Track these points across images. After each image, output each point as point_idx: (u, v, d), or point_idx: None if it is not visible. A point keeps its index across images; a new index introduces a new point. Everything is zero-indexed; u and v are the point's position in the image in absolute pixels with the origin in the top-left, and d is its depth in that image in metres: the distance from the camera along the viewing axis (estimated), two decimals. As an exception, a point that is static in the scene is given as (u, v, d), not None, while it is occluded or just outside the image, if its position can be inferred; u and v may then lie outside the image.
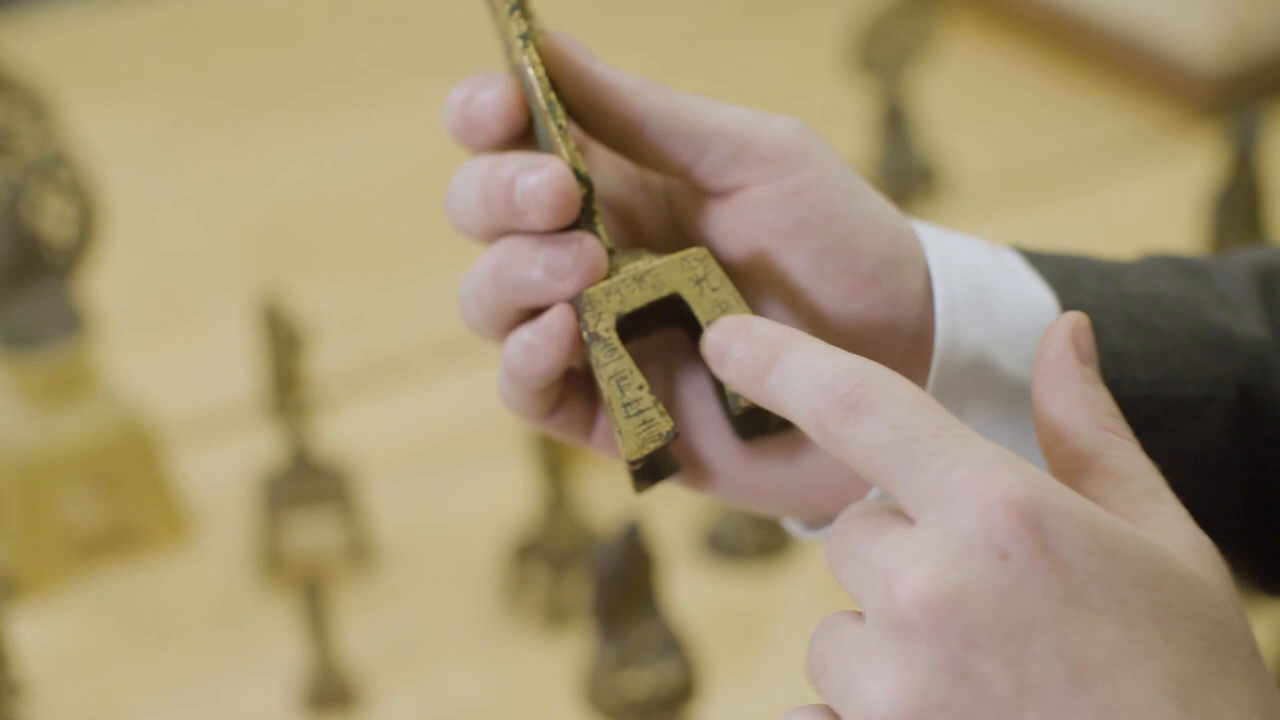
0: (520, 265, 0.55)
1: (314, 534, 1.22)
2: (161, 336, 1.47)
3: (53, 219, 1.17)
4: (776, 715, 0.48)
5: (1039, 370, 0.51)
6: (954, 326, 0.57)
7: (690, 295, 0.54)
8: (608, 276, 0.54)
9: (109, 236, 1.22)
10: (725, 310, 0.54)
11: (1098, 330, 0.59)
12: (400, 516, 1.24)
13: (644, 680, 0.91)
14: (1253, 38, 1.66)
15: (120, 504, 1.23)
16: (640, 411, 0.53)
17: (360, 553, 1.21)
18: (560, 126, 0.54)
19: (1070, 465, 0.50)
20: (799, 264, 0.56)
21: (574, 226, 0.55)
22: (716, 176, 0.56)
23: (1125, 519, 0.47)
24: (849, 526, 0.48)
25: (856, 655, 0.46)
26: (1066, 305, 0.59)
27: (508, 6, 0.55)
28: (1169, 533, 0.47)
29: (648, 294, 0.54)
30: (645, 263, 0.54)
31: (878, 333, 0.57)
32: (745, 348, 0.51)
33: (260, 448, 1.27)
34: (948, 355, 0.57)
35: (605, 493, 1.21)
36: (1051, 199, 1.59)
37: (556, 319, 0.54)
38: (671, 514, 1.20)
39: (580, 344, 0.54)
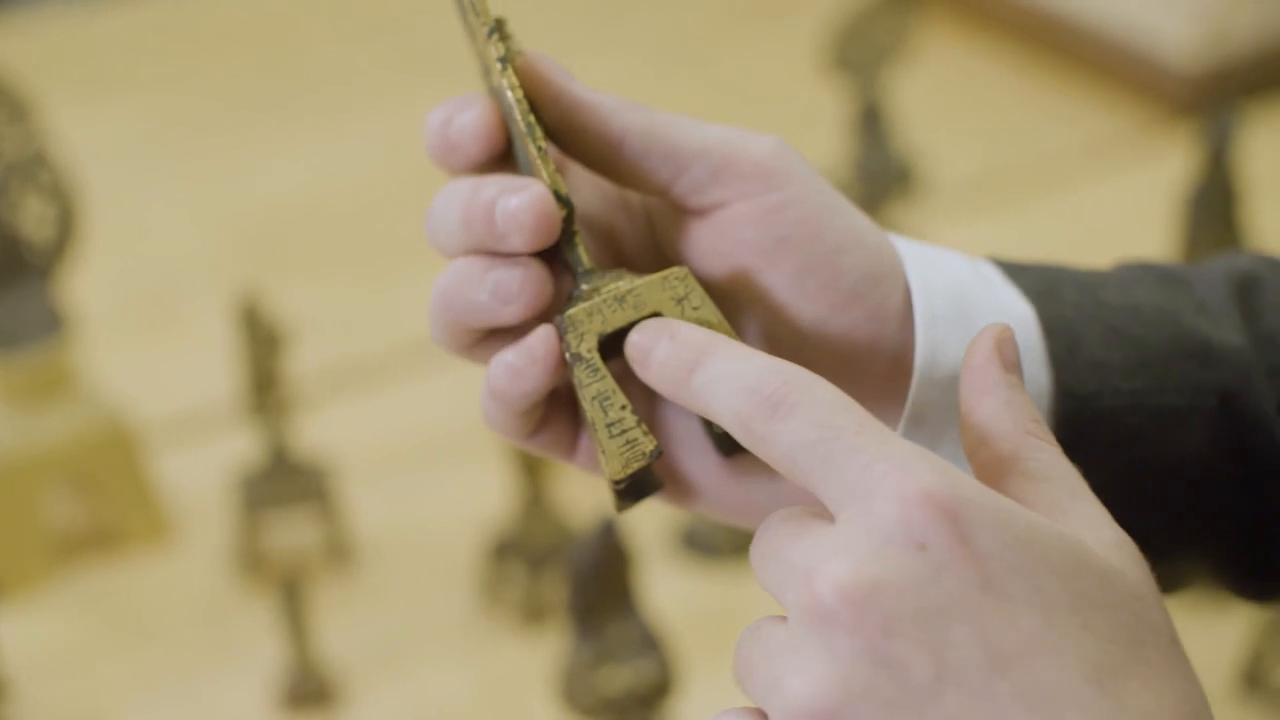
0: (469, 288, 0.55)
1: (293, 533, 1.23)
2: (142, 337, 1.48)
3: (33, 220, 1.17)
4: None
5: (964, 378, 0.52)
6: (934, 342, 0.57)
7: (672, 314, 0.54)
8: (589, 298, 0.55)
9: (91, 237, 1.22)
10: (707, 329, 0.54)
11: (1078, 340, 0.60)
12: (379, 516, 1.25)
13: (621, 677, 0.92)
14: (1231, 37, 1.67)
15: (101, 504, 1.23)
16: (624, 431, 0.54)
17: (339, 552, 1.22)
18: (540, 148, 0.54)
19: (994, 468, 0.50)
20: (780, 281, 0.56)
21: (555, 248, 0.55)
22: (696, 195, 0.57)
23: (1046, 517, 0.48)
24: (771, 531, 0.49)
25: (780, 653, 0.46)
26: (1046, 317, 0.60)
27: (485, 30, 0.55)
28: (1089, 530, 0.48)
29: (629, 314, 0.54)
30: (626, 283, 0.54)
31: (859, 349, 0.57)
32: (669, 350, 0.52)
33: (240, 448, 1.28)
34: (928, 370, 0.57)
35: (582, 492, 1.21)
36: (1030, 199, 1.59)
37: (539, 341, 0.55)
38: (648, 512, 1.20)
39: (563, 364, 0.55)
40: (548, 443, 0.58)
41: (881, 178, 1.48)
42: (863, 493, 0.46)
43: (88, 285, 1.34)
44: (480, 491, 1.24)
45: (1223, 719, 1.07)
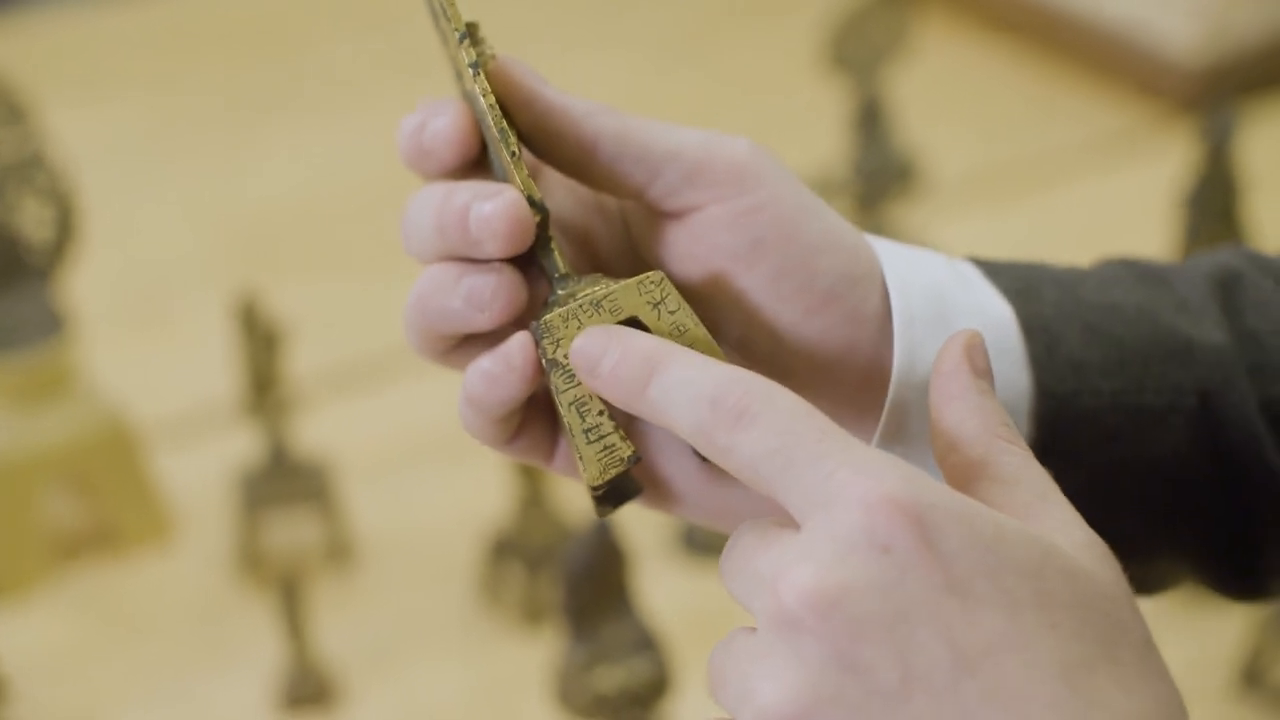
0: (443, 294, 0.55)
1: (292, 533, 1.23)
2: (141, 337, 1.48)
3: (31, 221, 1.18)
4: None
5: (934, 383, 0.52)
6: (912, 343, 0.57)
7: (648, 319, 0.54)
8: (564, 303, 0.54)
9: (89, 237, 1.22)
10: (683, 333, 0.54)
11: (1057, 340, 0.60)
12: (377, 515, 1.25)
13: (615, 677, 0.92)
14: (1231, 33, 1.67)
15: (100, 503, 1.24)
16: (601, 437, 0.54)
17: (338, 552, 1.22)
18: (513, 154, 0.54)
19: (964, 473, 0.51)
20: (756, 284, 0.56)
21: (530, 253, 0.55)
22: (671, 198, 0.56)
23: (1016, 520, 0.48)
24: (738, 543, 0.49)
25: (749, 661, 0.47)
26: (1025, 316, 0.60)
27: (456, 35, 0.55)
28: (1059, 531, 0.48)
29: (605, 319, 0.54)
30: (602, 288, 0.54)
31: (836, 351, 0.57)
32: (620, 359, 0.52)
33: (239, 447, 1.28)
34: (906, 372, 0.57)
35: (580, 492, 1.20)
36: (1030, 196, 1.59)
37: (517, 348, 0.54)
38: (647, 512, 1.20)
39: (540, 371, 0.55)
40: (526, 448, 0.58)
41: (881, 175, 1.48)
42: (825, 500, 0.47)
43: (85, 285, 1.34)
44: (478, 491, 1.24)
45: (1221, 717, 1.07)
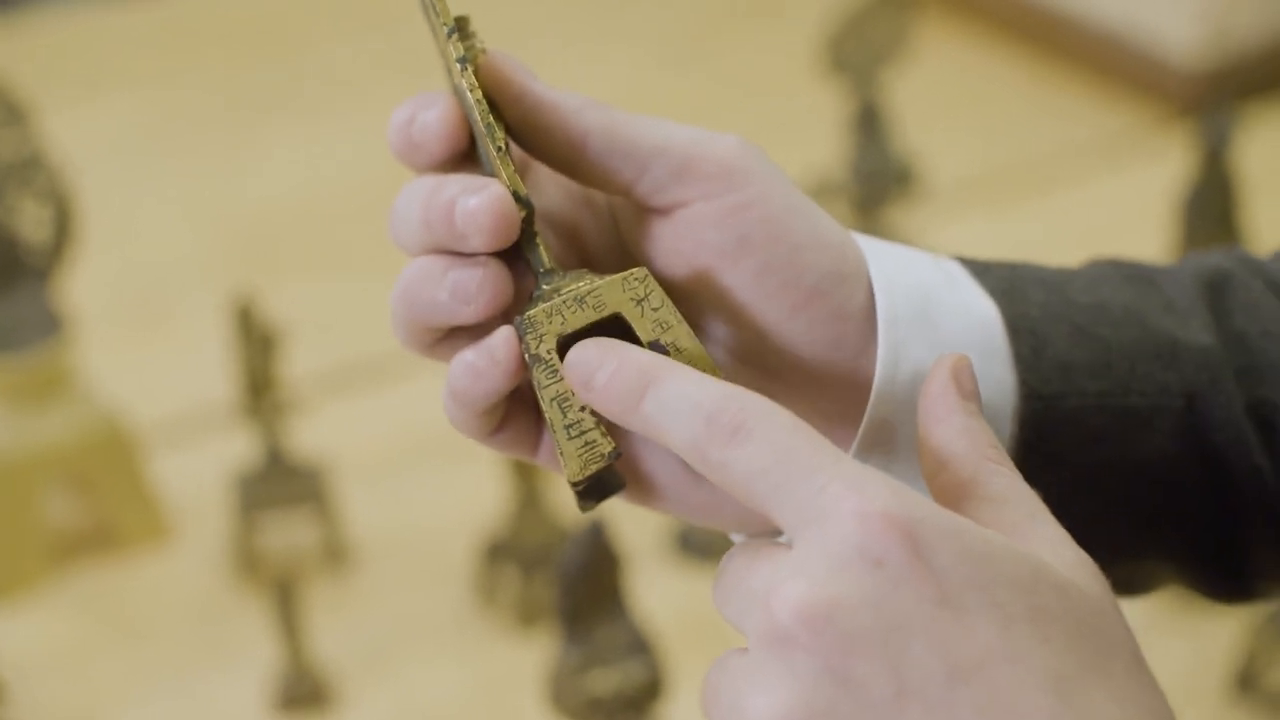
0: (429, 287, 0.55)
1: (288, 534, 1.23)
2: (139, 338, 1.48)
3: (29, 222, 1.18)
4: None
5: (922, 405, 0.53)
6: (896, 342, 0.57)
7: (631, 315, 0.54)
8: (549, 299, 0.55)
9: (87, 238, 1.22)
10: (666, 329, 0.54)
11: (1044, 340, 0.59)
12: (373, 517, 1.25)
13: (609, 680, 0.92)
14: (1232, 36, 1.67)
15: (98, 504, 1.24)
16: (582, 433, 0.54)
17: (334, 553, 1.22)
18: (500, 148, 0.55)
19: (952, 492, 0.51)
20: (741, 281, 0.56)
21: (516, 248, 0.55)
22: (658, 194, 0.56)
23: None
24: (729, 565, 0.49)
25: (743, 677, 0.47)
26: (1011, 316, 0.59)
27: (445, 30, 0.55)
28: (1049, 550, 0.49)
29: (589, 315, 0.54)
30: (587, 284, 0.54)
31: (821, 348, 0.57)
32: (615, 372, 0.52)
33: (236, 449, 1.28)
34: (890, 371, 0.57)
35: (575, 493, 1.21)
36: (1029, 199, 1.59)
37: (500, 342, 0.54)
38: (642, 514, 1.20)
39: (524, 365, 0.55)
40: (509, 441, 0.58)
41: (880, 177, 1.48)
42: (818, 515, 0.47)
43: (83, 286, 1.34)
44: (474, 493, 1.25)
45: (1216, 720, 1.07)
